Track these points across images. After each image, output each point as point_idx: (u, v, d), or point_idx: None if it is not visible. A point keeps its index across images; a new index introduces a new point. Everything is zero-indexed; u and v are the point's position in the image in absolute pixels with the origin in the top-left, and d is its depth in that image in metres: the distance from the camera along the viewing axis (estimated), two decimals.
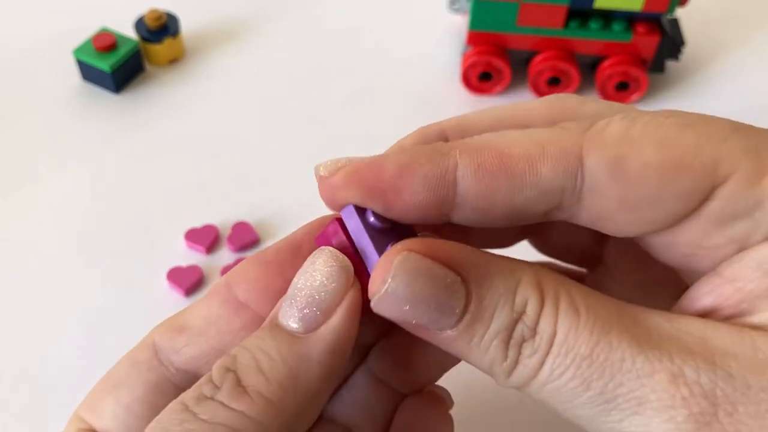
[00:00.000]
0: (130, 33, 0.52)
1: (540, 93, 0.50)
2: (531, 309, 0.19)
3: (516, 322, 0.19)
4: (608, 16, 0.48)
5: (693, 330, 0.19)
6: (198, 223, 0.43)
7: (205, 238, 0.42)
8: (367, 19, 0.57)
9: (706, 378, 0.17)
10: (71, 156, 0.47)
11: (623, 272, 0.26)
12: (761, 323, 0.18)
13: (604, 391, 0.18)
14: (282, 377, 0.19)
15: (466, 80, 0.50)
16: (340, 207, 0.22)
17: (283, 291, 0.21)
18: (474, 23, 0.48)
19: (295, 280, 0.21)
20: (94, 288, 0.41)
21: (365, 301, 0.20)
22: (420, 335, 0.20)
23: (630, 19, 0.48)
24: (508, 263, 0.20)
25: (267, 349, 0.20)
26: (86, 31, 0.52)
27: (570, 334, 0.18)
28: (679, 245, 0.20)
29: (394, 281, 0.19)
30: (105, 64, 0.49)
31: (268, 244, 0.42)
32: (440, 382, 0.26)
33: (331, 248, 0.21)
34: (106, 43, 0.49)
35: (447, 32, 0.55)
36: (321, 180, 0.21)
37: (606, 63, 0.49)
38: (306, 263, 0.21)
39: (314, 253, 0.21)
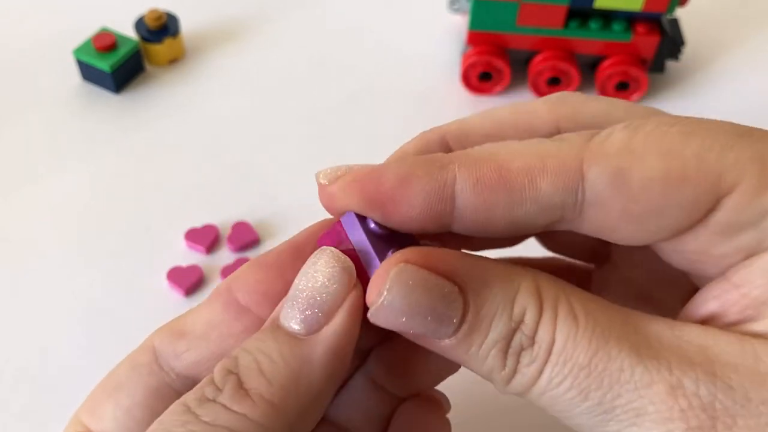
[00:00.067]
0: (130, 33, 0.52)
1: (540, 93, 0.50)
2: (529, 317, 0.19)
3: (514, 331, 0.19)
4: (608, 16, 0.48)
5: (694, 338, 0.18)
6: (198, 223, 0.43)
7: (205, 238, 0.42)
8: (367, 19, 0.57)
9: (705, 390, 0.17)
10: (71, 156, 0.47)
11: (632, 269, 0.26)
12: (764, 331, 0.18)
13: (602, 402, 0.18)
14: (284, 379, 0.19)
15: (466, 80, 0.50)
16: (340, 214, 0.22)
17: (284, 294, 0.21)
18: (474, 23, 0.48)
19: (296, 281, 0.21)
20: (94, 288, 0.41)
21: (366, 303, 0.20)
22: (419, 343, 0.20)
23: (630, 19, 0.48)
24: (507, 270, 0.20)
25: (268, 351, 0.20)
26: (86, 31, 0.52)
27: (568, 342, 0.18)
28: (685, 252, 0.20)
29: (390, 293, 0.19)
30: (105, 64, 0.49)
31: (268, 244, 0.43)
32: (438, 385, 0.26)
33: (332, 249, 0.21)
34: (106, 43, 0.49)
35: (447, 32, 0.55)
36: (321, 188, 0.21)
37: (606, 63, 0.49)
38: (307, 264, 0.21)
39: (315, 253, 0.21)
